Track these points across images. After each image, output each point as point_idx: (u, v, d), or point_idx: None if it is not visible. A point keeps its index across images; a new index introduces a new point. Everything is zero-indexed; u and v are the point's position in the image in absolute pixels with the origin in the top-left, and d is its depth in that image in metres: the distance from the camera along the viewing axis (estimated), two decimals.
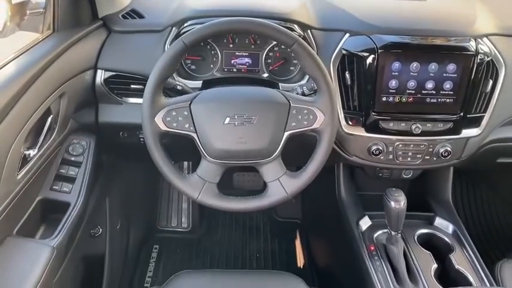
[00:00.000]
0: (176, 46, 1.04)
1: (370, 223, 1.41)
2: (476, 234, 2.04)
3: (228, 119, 1.06)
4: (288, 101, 1.09)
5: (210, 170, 1.10)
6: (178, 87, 1.24)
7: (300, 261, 2.00)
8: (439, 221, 1.42)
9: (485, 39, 1.32)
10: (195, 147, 1.09)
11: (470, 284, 1.21)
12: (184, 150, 1.14)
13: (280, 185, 1.10)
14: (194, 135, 1.08)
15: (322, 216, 1.85)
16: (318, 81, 1.08)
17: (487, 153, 1.46)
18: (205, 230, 2.15)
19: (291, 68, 1.43)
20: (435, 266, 1.25)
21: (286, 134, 1.09)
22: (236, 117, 1.06)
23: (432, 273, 1.22)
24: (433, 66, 1.26)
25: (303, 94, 1.24)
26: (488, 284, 1.20)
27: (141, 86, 1.32)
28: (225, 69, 1.43)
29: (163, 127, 1.06)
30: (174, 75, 1.33)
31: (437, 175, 1.55)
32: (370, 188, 1.67)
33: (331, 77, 1.28)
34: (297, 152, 1.16)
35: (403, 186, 1.65)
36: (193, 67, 1.43)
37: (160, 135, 1.07)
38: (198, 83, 1.36)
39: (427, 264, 1.25)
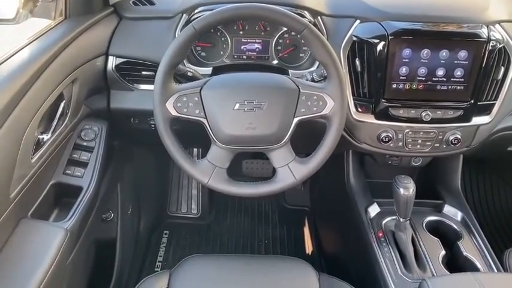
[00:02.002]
0: (187, 32, 1.05)
1: (379, 210, 1.42)
2: (485, 221, 2.04)
3: (237, 105, 1.07)
4: (298, 87, 1.09)
5: (219, 156, 1.11)
6: (189, 74, 1.25)
7: (308, 248, 2.02)
8: (447, 209, 1.43)
9: (497, 26, 1.31)
10: (205, 133, 1.10)
11: (478, 271, 1.21)
12: (195, 136, 1.15)
13: (289, 170, 1.11)
14: (204, 120, 1.09)
15: (331, 203, 1.86)
16: (328, 67, 1.08)
17: (498, 141, 1.45)
18: (214, 217, 2.17)
19: (301, 54, 1.43)
20: (443, 252, 1.25)
21: (296, 120, 1.09)
22: (246, 102, 1.07)
23: (440, 259, 1.23)
24: (444, 53, 1.25)
25: (313, 80, 1.24)
26: (495, 270, 1.20)
27: (152, 73, 1.33)
28: (235, 56, 1.43)
29: (174, 112, 1.08)
30: (184, 61, 1.34)
31: (447, 163, 1.55)
32: (379, 175, 1.67)
33: (341, 64, 1.29)
34: (306, 138, 1.17)
35: (412, 174, 1.65)
36: (203, 54, 1.43)
37: (171, 121, 1.09)
38: (209, 70, 1.37)
39: (435, 251, 1.26)
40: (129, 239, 1.73)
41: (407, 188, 1.22)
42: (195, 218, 2.14)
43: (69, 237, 1.09)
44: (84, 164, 1.27)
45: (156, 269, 1.88)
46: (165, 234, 2.04)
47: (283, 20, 1.06)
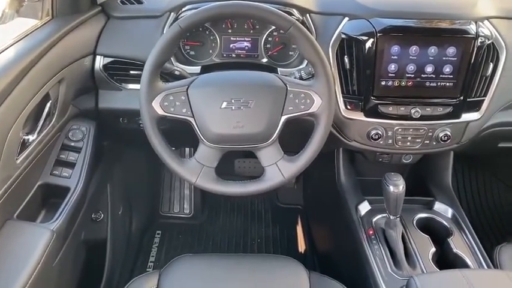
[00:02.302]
0: (172, 30, 1.04)
1: (370, 208, 1.41)
2: (477, 218, 2.05)
3: (225, 103, 1.06)
4: (285, 85, 1.09)
5: (207, 155, 1.11)
6: (176, 73, 1.24)
7: (301, 247, 2.01)
8: (438, 206, 1.43)
9: (486, 22, 1.31)
10: (194, 132, 1.09)
11: (468, 268, 1.21)
12: (185, 135, 1.15)
13: (278, 169, 1.10)
14: (191, 119, 1.08)
15: (323, 201, 1.85)
16: (315, 65, 1.07)
17: (488, 138, 1.45)
18: (207, 216, 2.17)
19: (290, 52, 1.42)
20: (433, 249, 1.25)
21: (284, 118, 1.09)
22: (233, 101, 1.06)
23: (430, 256, 1.23)
24: (432, 50, 1.25)
25: (301, 78, 1.23)
26: (485, 266, 1.20)
27: (140, 72, 1.31)
28: (224, 55, 1.42)
29: (160, 112, 1.07)
30: (172, 60, 1.33)
31: (438, 160, 1.55)
32: (370, 173, 1.67)
33: (330, 62, 1.29)
34: (295, 136, 1.16)
35: (403, 171, 1.66)
36: (192, 53, 1.43)
37: (158, 120, 1.08)
38: (197, 69, 1.36)
39: (425, 248, 1.25)
40: (120, 239, 1.72)
41: (397, 186, 1.21)
42: (188, 217, 2.13)
43: (56, 238, 1.08)
44: (71, 165, 1.26)
45: (147, 269, 1.87)
46: (158, 234, 2.03)
47: (270, 17, 1.05)
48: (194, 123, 1.08)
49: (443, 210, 1.41)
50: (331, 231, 1.74)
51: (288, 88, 1.09)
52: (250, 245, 2.00)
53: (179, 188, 2.18)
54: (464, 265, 1.23)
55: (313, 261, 1.91)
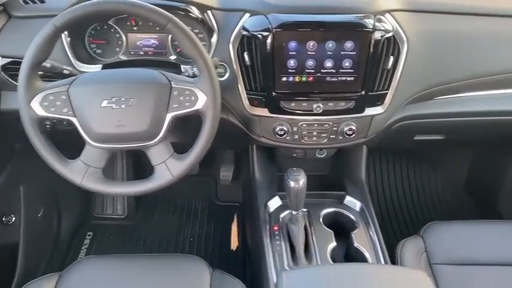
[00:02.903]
0: (46, 30, 1.02)
1: (280, 203, 1.41)
2: (396, 212, 2.07)
3: (105, 102, 1.04)
4: (170, 82, 1.08)
5: (93, 155, 1.09)
6: (66, 72, 1.21)
7: (234, 244, 2.01)
8: (348, 200, 1.43)
9: (387, 15, 1.30)
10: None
11: (366, 261, 1.22)
12: (74, 137, 1.12)
13: (166, 167, 1.09)
14: (73, 119, 1.06)
15: (248, 198, 1.85)
16: (197, 61, 1.06)
17: (402, 131, 1.46)
18: (141, 217, 2.14)
19: None
20: (333, 244, 1.26)
21: (169, 116, 1.08)
22: (114, 99, 1.04)
23: (328, 251, 1.23)
24: (330, 45, 1.24)
25: (194, 75, 1.22)
26: (383, 261, 1.21)
27: (41, 72, 1.29)
28: (132, 52, 1.41)
29: (40, 112, 1.04)
30: (72, 59, 1.31)
31: (351, 154, 1.55)
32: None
33: (231, 58, 1.28)
34: (195, 134, 1.15)
35: (324, 166, 1.66)
36: (98, 51, 1.40)
37: (39, 121, 1.06)
38: (98, 67, 1.34)
39: (325, 243, 1.26)
40: (39, 242, 1.68)
41: (297, 181, 1.21)
42: (121, 218, 2.11)
43: None
44: None
45: None
46: (89, 235, 2.00)
47: (147, 14, 1.03)
48: (77, 123, 1.06)
49: (353, 204, 1.42)
50: (248, 228, 1.74)
51: (173, 85, 1.07)
52: (182, 244, 1.98)
53: None
54: (364, 259, 1.24)
55: (244, 257, 1.91)
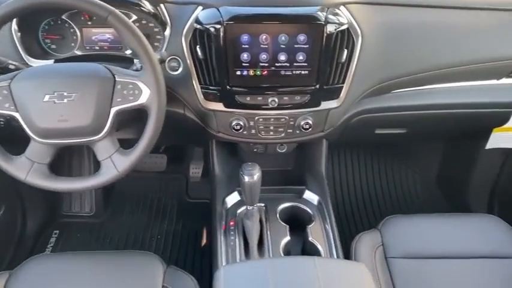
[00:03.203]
0: None
1: (239, 198, 1.41)
2: (367, 207, 2.08)
3: (47, 97, 1.03)
4: (113, 75, 1.06)
5: (38, 151, 1.08)
6: (11, 66, 1.19)
7: (204, 241, 1.99)
8: (307, 194, 1.43)
9: (342, 7, 1.29)
10: None
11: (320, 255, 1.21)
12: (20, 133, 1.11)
13: (112, 163, 1.08)
14: (16, 114, 1.04)
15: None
16: (139, 54, 1.05)
17: (361, 125, 1.46)
18: (110, 214, 2.13)
19: (155, 43, 1.39)
20: (287, 238, 1.25)
21: (113, 110, 1.06)
22: (56, 94, 1.03)
23: (282, 245, 1.23)
24: (283, 38, 1.23)
25: (141, 69, 1.21)
26: (335, 255, 1.21)
27: None
28: (87, 47, 1.39)
29: None
30: (23, 54, 1.29)
31: (312, 149, 1.55)
32: (260, 164, 1.66)
33: (184, 52, 1.26)
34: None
35: (287, 161, 1.66)
36: (53, 46, 1.38)
37: None
38: (50, 62, 1.32)
39: (279, 237, 1.25)
40: (0, 241, 1.66)
41: (251, 175, 1.20)
42: (89, 216, 2.09)
43: None
44: None
45: None
46: (55, 234, 1.98)
47: (86, 7, 1.02)
48: (20, 119, 1.05)
49: (311, 199, 1.41)
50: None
51: (116, 79, 1.06)
52: (149, 242, 1.97)
53: None
54: (318, 253, 1.23)
55: (211, 254, 1.90)
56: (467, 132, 1.74)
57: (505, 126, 1.54)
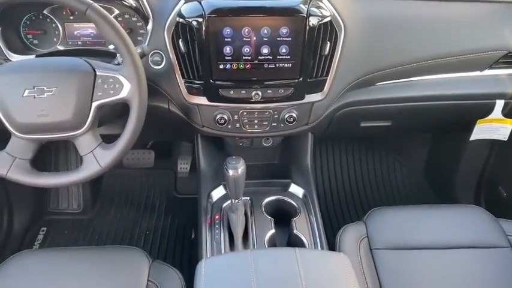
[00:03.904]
0: None
1: (224, 192, 1.41)
2: (354, 200, 2.09)
3: (27, 92, 1.02)
4: (94, 69, 1.06)
5: (19, 146, 1.07)
6: None
7: (193, 236, 1.99)
8: (293, 187, 1.43)
9: (325, 0, 1.29)
10: None
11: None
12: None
13: (94, 157, 1.08)
14: None
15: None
16: (118, 48, 1.04)
17: (347, 118, 1.46)
18: (98, 210, 2.12)
19: (139, 38, 1.39)
20: (272, 231, 1.26)
21: (94, 104, 1.06)
22: (35, 88, 1.02)
23: (266, 238, 1.23)
24: (265, 31, 1.23)
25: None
26: (319, 247, 1.21)
27: None
28: (70, 42, 1.38)
29: None
30: (4, 50, 1.28)
31: (298, 142, 1.55)
32: (247, 158, 1.66)
33: (167, 46, 1.26)
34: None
35: (274, 155, 1.66)
36: (35, 41, 1.38)
37: None
38: (32, 58, 1.31)
39: (264, 230, 1.26)
40: None
41: (235, 169, 1.20)
42: (76, 213, 2.08)
43: None
44: None
45: None
46: (42, 231, 1.97)
47: (63, 1, 1.01)
48: None
49: (296, 192, 1.42)
50: None
51: (97, 73, 1.05)
52: (137, 237, 1.97)
53: None
54: (302, 246, 1.24)
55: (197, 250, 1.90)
56: (452, 124, 1.75)
57: (489, 117, 1.55)
